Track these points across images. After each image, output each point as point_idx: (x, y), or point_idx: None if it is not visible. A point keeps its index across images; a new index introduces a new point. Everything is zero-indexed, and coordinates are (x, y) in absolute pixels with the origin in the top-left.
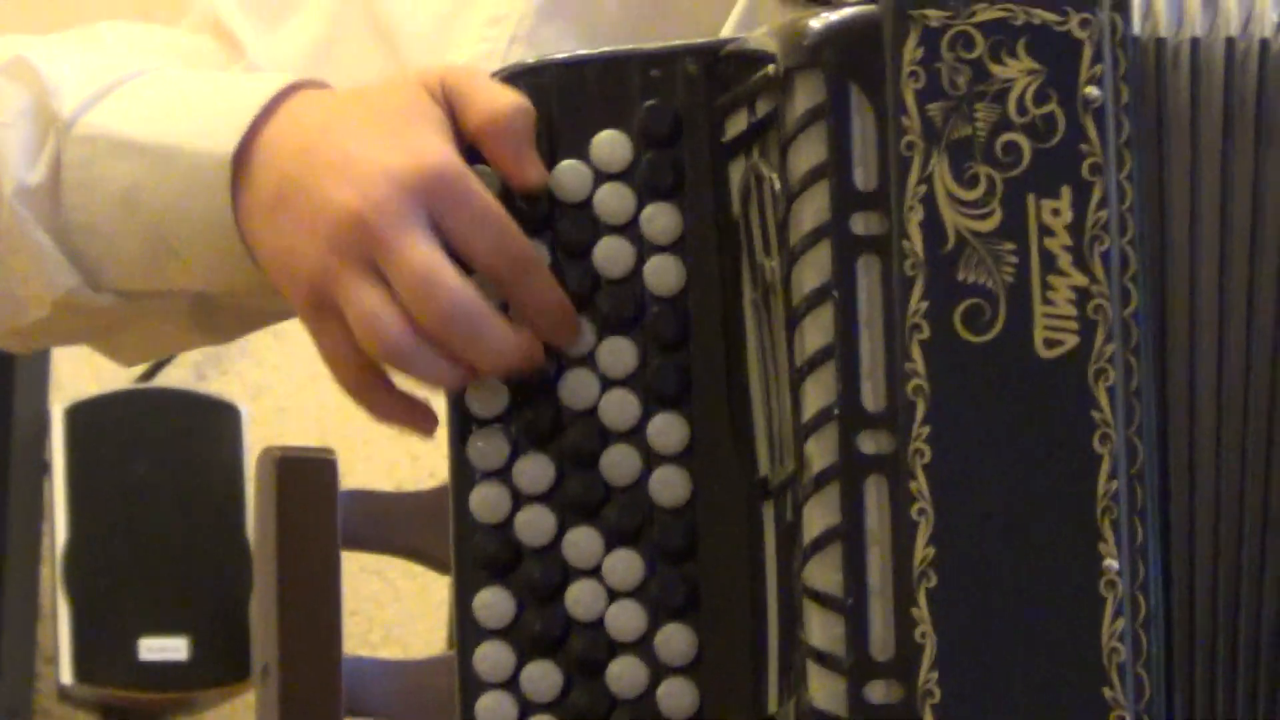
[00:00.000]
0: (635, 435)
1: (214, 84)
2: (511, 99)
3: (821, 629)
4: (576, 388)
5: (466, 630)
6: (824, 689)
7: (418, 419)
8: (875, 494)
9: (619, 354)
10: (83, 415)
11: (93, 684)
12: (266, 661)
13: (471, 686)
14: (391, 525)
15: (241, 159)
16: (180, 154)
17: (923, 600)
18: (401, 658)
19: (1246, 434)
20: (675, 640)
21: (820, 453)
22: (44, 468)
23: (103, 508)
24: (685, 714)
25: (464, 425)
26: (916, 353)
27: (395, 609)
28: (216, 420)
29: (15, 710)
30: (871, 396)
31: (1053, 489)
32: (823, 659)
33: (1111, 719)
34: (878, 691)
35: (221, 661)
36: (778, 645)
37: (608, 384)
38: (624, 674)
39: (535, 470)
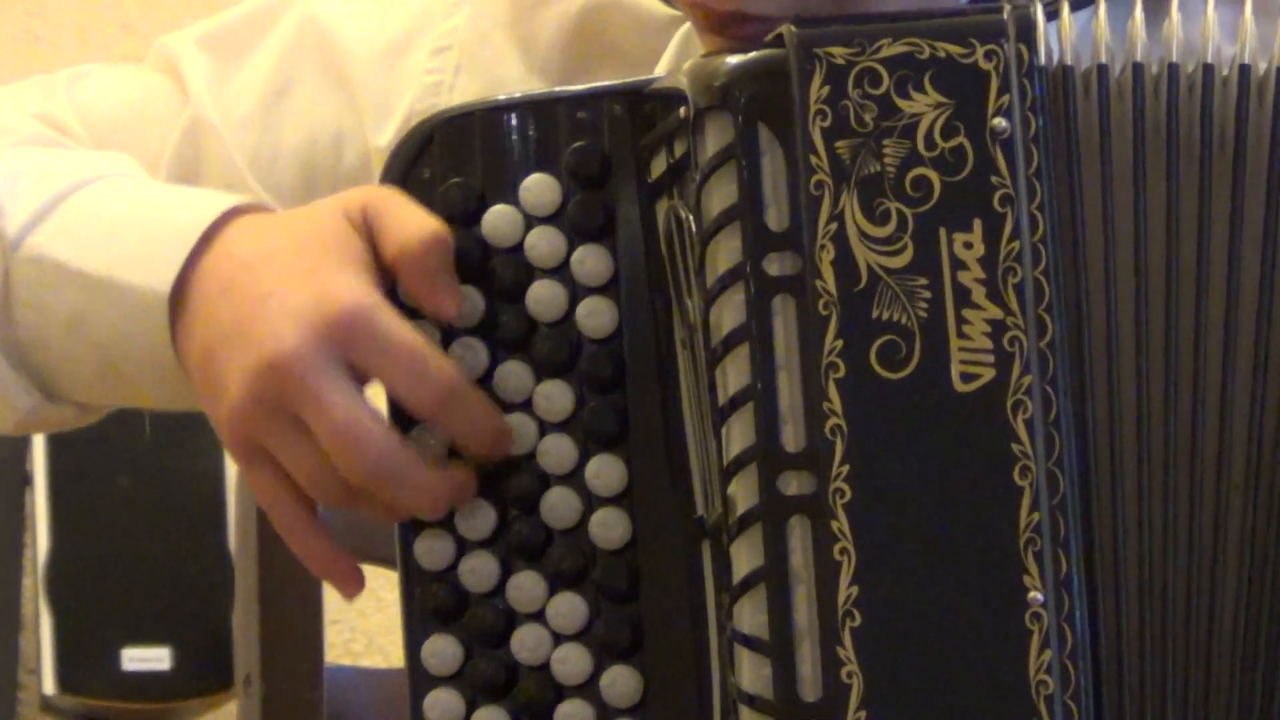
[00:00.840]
0: (574, 478)
1: (155, 206)
2: (424, 229)
3: (751, 671)
4: (515, 433)
5: (417, 678)
6: None
7: (344, 576)
8: (799, 534)
9: (555, 398)
10: None
11: (75, 694)
12: (249, 671)
13: None
14: (373, 535)
15: (177, 294)
16: (119, 287)
17: (848, 640)
18: (384, 667)
19: (1169, 460)
20: (620, 682)
21: (743, 494)
22: (26, 479)
23: (85, 519)
24: None
25: None
26: (833, 392)
27: (378, 618)
28: (198, 432)
29: None
30: (792, 437)
31: (974, 523)
32: (753, 702)
33: None
34: None
35: (204, 671)
36: (719, 685)
37: (546, 428)
38: (571, 716)
39: (478, 517)
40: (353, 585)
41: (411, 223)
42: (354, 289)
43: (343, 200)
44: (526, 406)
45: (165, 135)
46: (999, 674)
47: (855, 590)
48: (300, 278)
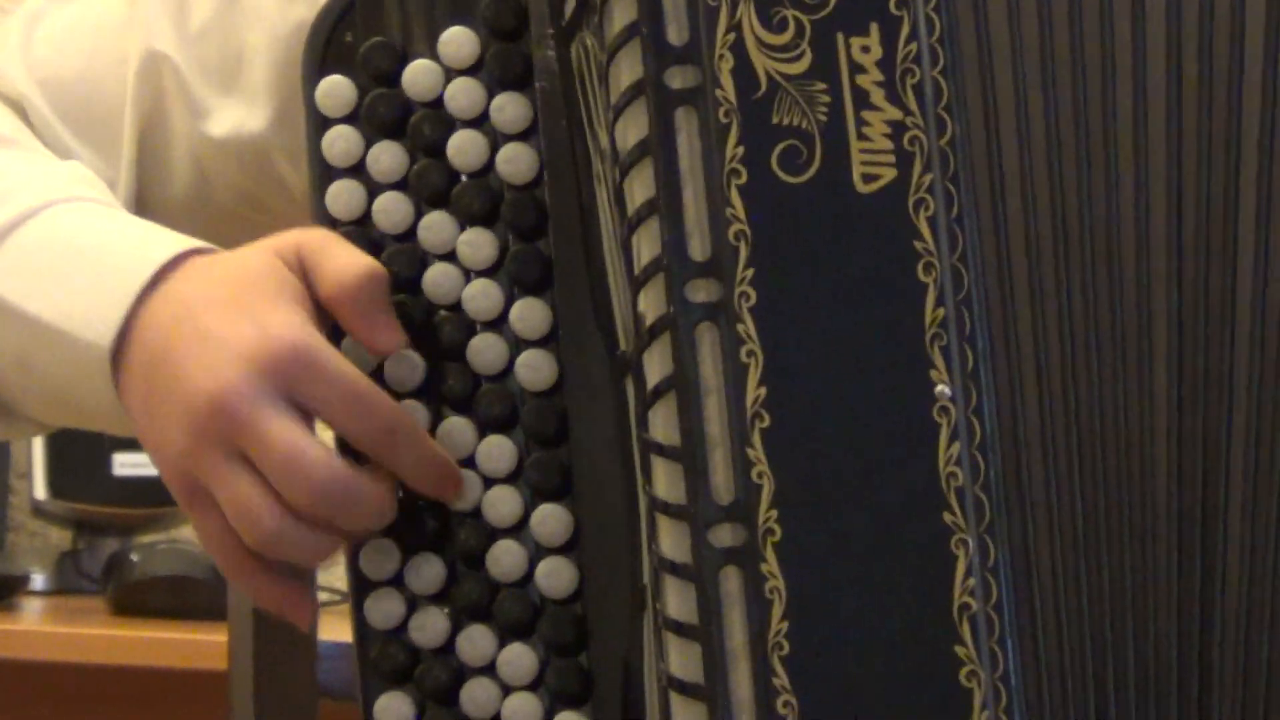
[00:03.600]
0: (500, 323)
1: (99, 249)
2: (359, 267)
3: (665, 479)
4: (441, 281)
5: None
6: (671, 538)
7: (295, 608)
8: (708, 341)
9: (479, 246)
10: None
11: (66, 499)
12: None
13: None
14: None
15: (119, 345)
16: (62, 336)
17: (757, 441)
18: None
19: (1086, 253)
20: (551, 521)
21: (652, 305)
22: None
23: None
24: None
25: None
26: (736, 198)
27: None
28: None
29: None
30: (699, 246)
31: (880, 321)
32: (668, 509)
33: (953, 542)
34: (722, 536)
35: None
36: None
37: (470, 275)
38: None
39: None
40: (304, 616)
41: (344, 260)
42: (292, 325)
43: (274, 242)
44: (451, 258)
45: (123, 80)
46: (908, 467)
47: (763, 392)
48: (238, 317)
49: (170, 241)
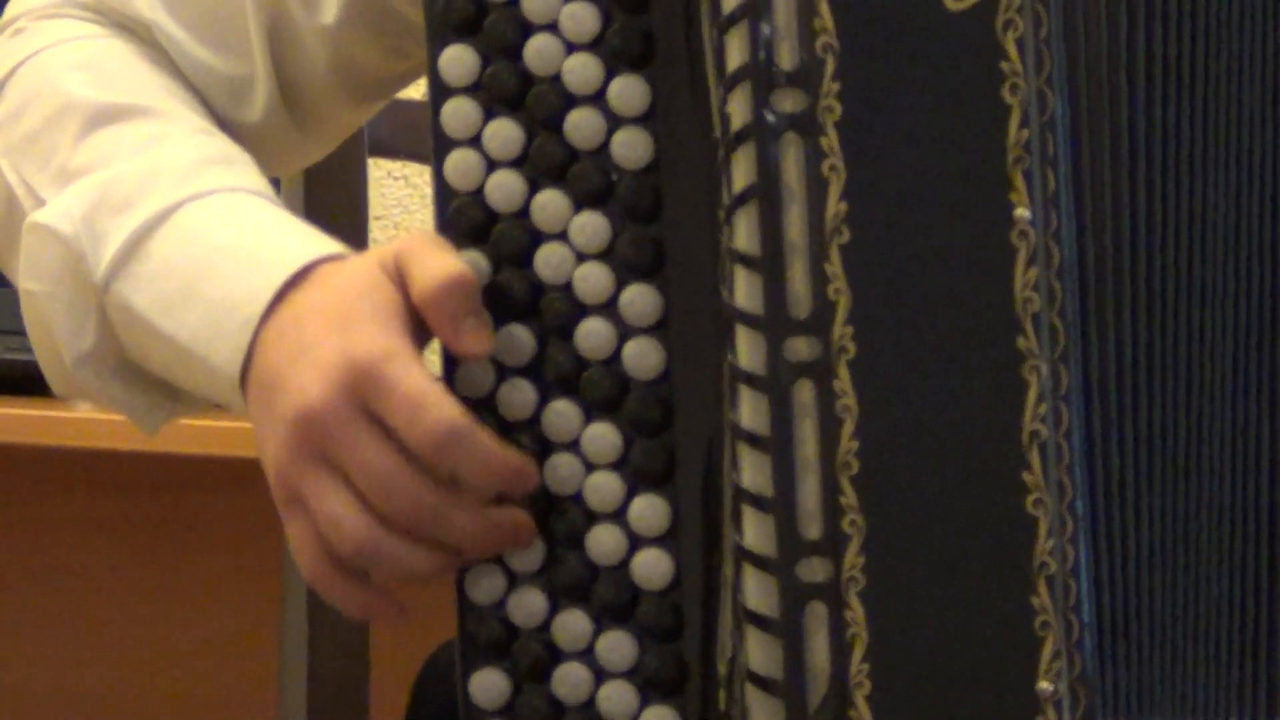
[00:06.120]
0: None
1: (228, 264)
2: (447, 273)
3: (745, 288)
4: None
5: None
6: (748, 348)
7: (382, 615)
8: (792, 152)
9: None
10: None
11: None
12: None
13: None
14: (418, 133)
15: (245, 364)
16: (195, 358)
17: (835, 256)
18: None
19: (1179, 74)
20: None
21: (739, 110)
22: None
23: None
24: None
25: None
26: (825, 9)
27: (423, 215)
28: None
29: None
30: (788, 55)
31: (962, 141)
32: (746, 319)
33: (1026, 368)
34: (797, 349)
35: None
36: None
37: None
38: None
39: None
40: (394, 619)
41: (432, 267)
42: (374, 339)
43: (380, 252)
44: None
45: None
46: (984, 291)
47: (844, 207)
48: (331, 330)
49: (295, 249)
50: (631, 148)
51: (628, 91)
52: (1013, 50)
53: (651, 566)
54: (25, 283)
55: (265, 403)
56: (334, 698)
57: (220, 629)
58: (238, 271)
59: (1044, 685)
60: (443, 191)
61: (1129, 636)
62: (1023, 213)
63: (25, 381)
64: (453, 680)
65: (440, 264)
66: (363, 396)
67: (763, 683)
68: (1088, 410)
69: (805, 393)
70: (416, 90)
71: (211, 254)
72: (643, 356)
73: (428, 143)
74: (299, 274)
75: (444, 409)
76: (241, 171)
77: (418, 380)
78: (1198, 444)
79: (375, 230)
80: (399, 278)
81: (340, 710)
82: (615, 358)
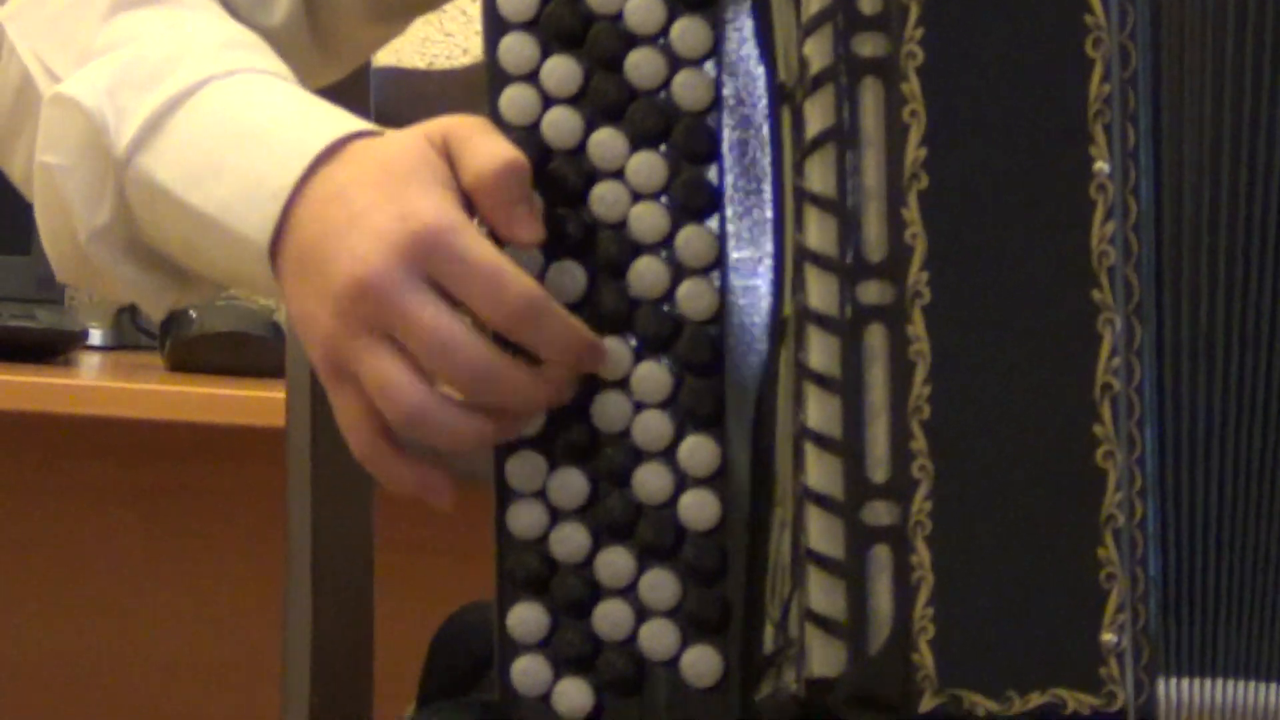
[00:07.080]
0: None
1: (258, 137)
2: (501, 157)
3: (817, 230)
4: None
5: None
6: (819, 289)
7: (434, 491)
8: (870, 96)
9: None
10: None
11: None
12: None
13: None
14: (424, 104)
15: (277, 236)
16: (223, 229)
17: (913, 202)
18: None
19: (1248, 34)
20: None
21: (817, 53)
22: None
23: None
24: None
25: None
26: None
27: None
28: None
29: None
30: (869, 1)
31: (1044, 93)
32: (818, 260)
33: (1100, 321)
34: (870, 292)
35: None
36: None
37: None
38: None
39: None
40: (444, 497)
41: (486, 151)
42: (436, 208)
43: (425, 128)
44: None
45: None
46: (1061, 243)
47: (923, 153)
48: (384, 199)
49: (328, 126)
50: (691, 89)
51: (690, 32)
52: (1097, 4)
53: (699, 508)
54: (43, 155)
55: (309, 274)
56: (338, 665)
57: (224, 597)
58: (269, 145)
59: (1108, 637)
60: (497, 126)
61: (1193, 595)
62: (1101, 166)
63: (28, 349)
64: (470, 640)
65: (494, 147)
66: (424, 265)
67: (824, 623)
68: (1160, 366)
69: (876, 336)
70: (422, 59)
71: (240, 129)
72: (696, 298)
73: (436, 113)
74: (333, 146)
75: (523, 281)
76: (268, 56)
77: (491, 252)
78: (1273, 404)
79: None
80: (447, 157)
81: (344, 678)
82: (667, 298)
